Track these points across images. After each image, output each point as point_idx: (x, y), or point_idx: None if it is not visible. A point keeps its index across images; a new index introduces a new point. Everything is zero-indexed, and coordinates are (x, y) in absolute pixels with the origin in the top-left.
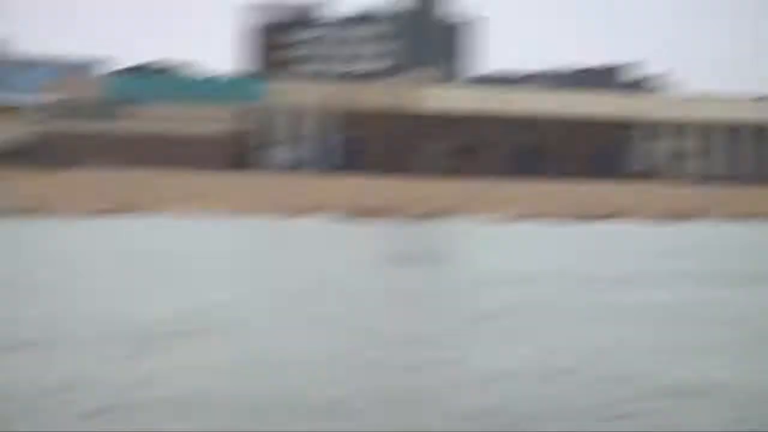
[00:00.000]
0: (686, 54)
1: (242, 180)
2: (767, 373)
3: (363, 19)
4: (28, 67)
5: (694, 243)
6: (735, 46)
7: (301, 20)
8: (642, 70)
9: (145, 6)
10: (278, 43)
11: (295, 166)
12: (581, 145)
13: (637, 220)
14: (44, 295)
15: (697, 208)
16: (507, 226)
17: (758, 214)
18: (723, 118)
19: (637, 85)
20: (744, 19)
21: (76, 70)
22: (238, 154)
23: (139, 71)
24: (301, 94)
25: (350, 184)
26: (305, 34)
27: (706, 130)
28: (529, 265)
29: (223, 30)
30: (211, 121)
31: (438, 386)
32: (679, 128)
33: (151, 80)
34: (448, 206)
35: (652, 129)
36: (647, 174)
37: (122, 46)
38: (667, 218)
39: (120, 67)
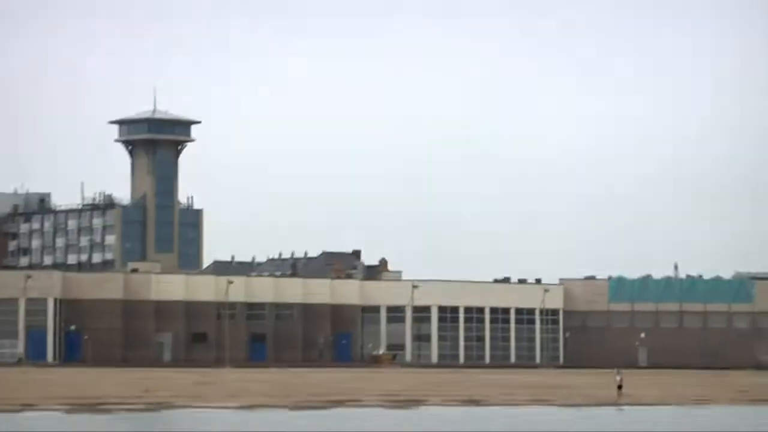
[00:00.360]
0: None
1: None
2: None
3: (88, 209)
4: None
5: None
6: None
7: (25, 210)
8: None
9: None
10: (2, 232)
11: (20, 358)
12: (316, 331)
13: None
14: None
15: (419, 390)
16: (247, 414)
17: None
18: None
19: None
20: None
21: None
22: None
23: None
24: (29, 286)
25: (75, 377)
26: (30, 224)
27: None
28: None
29: None
30: None
31: None
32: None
33: None
34: (174, 396)
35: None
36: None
37: None
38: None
39: None
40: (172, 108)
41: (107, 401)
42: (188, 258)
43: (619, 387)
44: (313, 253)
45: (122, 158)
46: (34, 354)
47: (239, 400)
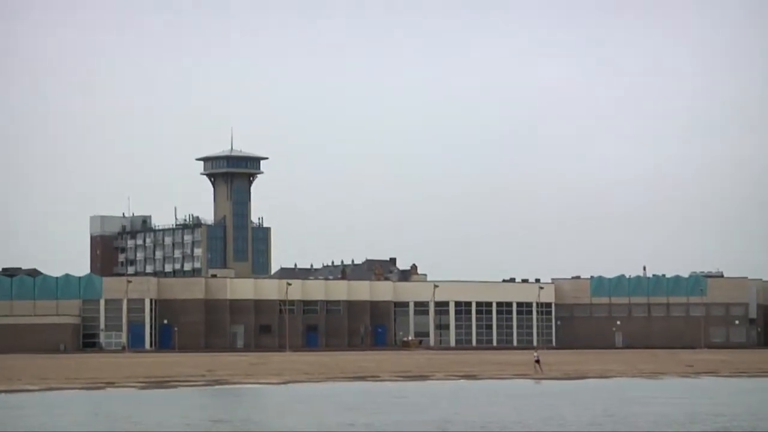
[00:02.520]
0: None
1: (83, 360)
2: None
3: (180, 228)
4: None
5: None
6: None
7: (131, 230)
8: (404, 262)
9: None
10: (113, 247)
11: (124, 346)
12: (358, 322)
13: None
14: None
15: (430, 367)
16: (283, 387)
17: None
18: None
19: (402, 273)
20: None
21: None
22: (82, 338)
23: (5, 273)
24: (130, 289)
25: (158, 360)
26: (135, 241)
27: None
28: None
29: (73, 236)
30: (60, 312)
31: None
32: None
33: (13, 280)
34: (231, 374)
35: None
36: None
37: None
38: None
39: None
40: (246, 146)
41: (176, 379)
42: (259, 265)
43: (537, 362)
44: (359, 260)
45: (206, 187)
46: (135, 343)
47: (282, 377)
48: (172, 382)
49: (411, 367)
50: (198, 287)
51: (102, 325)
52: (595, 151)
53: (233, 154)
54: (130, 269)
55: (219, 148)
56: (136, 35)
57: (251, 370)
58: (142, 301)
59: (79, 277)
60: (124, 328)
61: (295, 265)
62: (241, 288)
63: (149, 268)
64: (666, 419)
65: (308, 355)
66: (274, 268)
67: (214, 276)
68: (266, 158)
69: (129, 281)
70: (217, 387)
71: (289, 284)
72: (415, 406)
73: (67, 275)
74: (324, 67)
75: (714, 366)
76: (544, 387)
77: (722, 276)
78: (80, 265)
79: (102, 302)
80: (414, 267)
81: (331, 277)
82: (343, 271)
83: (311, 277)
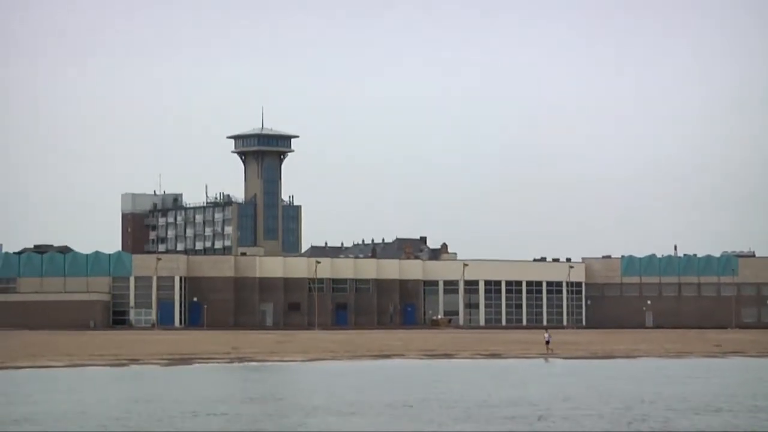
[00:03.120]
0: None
1: (110, 336)
2: None
3: (211, 206)
4: None
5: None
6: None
7: (162, 207)
8: (435, 241)
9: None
10: (144, 225)
11: (153, 324)
12: (388, 301)
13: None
14: None
15: (455, 346)
16: (314, 364)
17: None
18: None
19: (432, 252)
20: None
21: None
22: (111, 315)
23: (36, 250)
24: (160, 267)
25: (182, 338)
26: (165, 219)
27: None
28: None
29: (104, 214)
30: (91, 290)
31: None
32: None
33: (44, 257)
34: (256, 352)
35: (448, 286)
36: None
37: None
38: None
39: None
40: (276, 124)
41: (200, 356)
42: (290, 244)
43: (547, 343)
44: (389, 239)
45: (237, 166)
46: (164, 320)
47: (307, 355)
48: (196, 359)
49: (436, 346)
50: (227, 265)
51: (132, 303)
52: (629, 130)
53: (264, 132)
54: (161, 247)
55: (250, 126)
56: (167, 13)
57: (276, 348)
58: (172, 278)
59: (109, 255)
60: (154, 305)
61: (326, 243)
62: (271, 266)
63: (180, 246)
64: (629, 396)
65: (335, 334)
66: (305, 246)
67: (243, 254)
68: (297, 136)
69: (159, 259)
70: (241, 364)
71: (318, 262)
72: (406, 384)
73: (97, 252)
74: (356, 46)
75: (742, 345)
76: (550, 366)
77: (754, 255)
78: (111, 243)
79: (132, 280)
80: (444, 246)
81: (361, 256)
82: (374, 250)
83: (342, 256)
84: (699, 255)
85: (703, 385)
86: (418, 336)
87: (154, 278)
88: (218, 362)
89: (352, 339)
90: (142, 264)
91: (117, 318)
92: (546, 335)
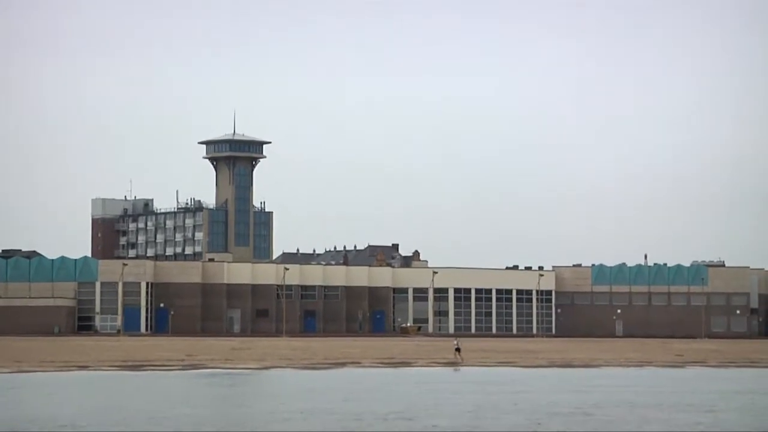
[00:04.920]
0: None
1: (67, 343)
2: None
3: (182, 212)
4: None
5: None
6: None
7: (133, 213)
8: (407, 248)
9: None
10: (115, 230)
11: (119, 330)
12: (357, 308)
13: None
14: None
15: (415, 354)
16: (264, 372)
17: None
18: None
19: (404, 260)
20: None
21: None
22: (77, 321)
23: (3, 255)
24: (126, 272)
25: (138, 344)
26: (136, 224)
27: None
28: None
29: (75, 219)
30: (56, 295)
31: None
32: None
33: (9, 262)
34: (210, 359)
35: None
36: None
37: None
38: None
39: None
40: (248, 130)
41: (153, 363)
42: (261, 250)
43: (457, 350)
44: (362, 246)
45: (209, 171)
46: (130, 326)
47: (262, 362)
48: (148, 366)
49: (395, 354)
50: (195, 271)
51: (97, 308)
52: (598, 141)
53: (236, 137)
54: (131, 252)
55: (221, 131)
56: (138, 18)
57: (232, 355)
58: (138, 284)
59: (75, 260)
60: (120, 311)
61: (298, 250)
62: (239, 272)
63: (150, 252)
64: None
65: (294, 341)
66: (276, 253)
67: (211, 260)
68: (269, 142)
69: (125, 264)
70: (191, 371)
71: (287, 269)
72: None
73: (62, 257)
74: (330, 52)
75: (704, 356)
76: (459, 375)
77: (724, 265)
78: (81, 248)
79: (98, 285)
80: (416, 253)
81: (333, 262)
82: (345, 257)
83: (313, 262)
84: (669, 264)
85: (604, 394)
86: (380, 344)
87: (120, 284)
88: (170, 369)
89: (310, 346)
90: (109, 269)
91: (82, 324)
92: (455, 343)
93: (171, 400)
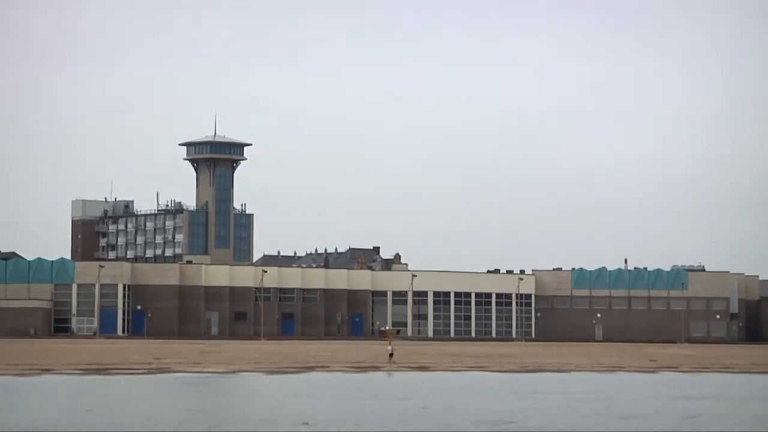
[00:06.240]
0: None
1: (35, 345)
2: None
3: (162, 214)
4: None
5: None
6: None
7: (113, 214)
8: (389, 251)
9: None
10: (95, 231)
11: (95, 332)
12: (335, 311)
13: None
14: None
15: (386, 358)
16: (228, 377)
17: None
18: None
19: (385, 263)
20: None
21: None
22: (53, 323)
23: None
24: (103, 274)
25: (106, 347)
26: (116, 226)
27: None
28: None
29: (55, 220)
30: (32, 297)
31: None
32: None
33: None
34: (178, 362)
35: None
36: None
37: None
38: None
39: None
40: (229, 132)
41: (119, 367)
42: (241, 252)
43: (390, 355)
44: (342, 248)
45: (189, 173)
46: (107, 328)
47: (229, 366)
48: (113, 370)
49: (366, 358)
50: (172, 273)
51: (74, 310)
52: (579, 144)
53: (216, 139)
54: (111, 254)
55: (202, 133)
56: (119, 20)
57: (200, 358)
58: (115, 286)
59: (52, 261)
60: (96, 313)
61: (278, 252)
62: (217, 275)
63: (130, 254)
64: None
65: (265, 344)
66: (257, 255)
67: (189, 262)
68: (250, 144)
69: (101, 266)
70: (157, 375)
71: (265, 272)
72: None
73: (39, 259)
74: (310, 54)
75: (678, 361)
76: (392, 379)
77: (704, 270)
78: (61, 249)
79: (74, 287)
80: (397, 256)
81: (314, 265)
82: (326, 260)
83: (294, 265)
84: (649, 269)
85: (540, 401)
86: (354, 348)
87: (97, 286)
88: (135, 373)
89: (280, 350)
90: (85, 271)
91: (59, 326)
92: (389, 348)
93: (82, 407)
